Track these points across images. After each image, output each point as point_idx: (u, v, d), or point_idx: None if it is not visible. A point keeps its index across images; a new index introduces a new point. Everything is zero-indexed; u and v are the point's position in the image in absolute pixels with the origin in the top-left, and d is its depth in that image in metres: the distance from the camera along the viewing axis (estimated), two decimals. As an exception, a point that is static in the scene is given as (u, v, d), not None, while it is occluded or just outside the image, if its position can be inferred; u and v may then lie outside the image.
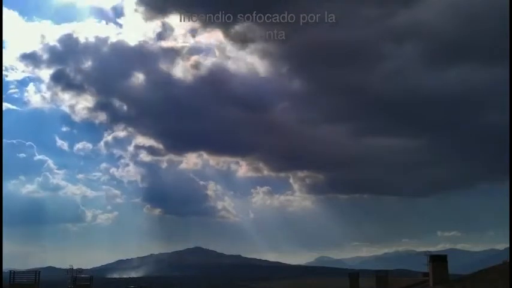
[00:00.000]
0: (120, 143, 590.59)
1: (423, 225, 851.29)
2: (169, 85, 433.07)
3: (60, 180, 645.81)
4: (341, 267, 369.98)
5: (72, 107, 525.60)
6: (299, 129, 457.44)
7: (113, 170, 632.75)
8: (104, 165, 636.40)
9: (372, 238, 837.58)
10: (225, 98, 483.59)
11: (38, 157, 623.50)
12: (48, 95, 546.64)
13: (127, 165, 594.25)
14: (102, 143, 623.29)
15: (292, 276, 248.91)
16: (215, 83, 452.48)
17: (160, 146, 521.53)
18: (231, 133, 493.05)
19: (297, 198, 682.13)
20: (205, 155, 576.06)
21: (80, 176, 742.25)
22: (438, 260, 33.21)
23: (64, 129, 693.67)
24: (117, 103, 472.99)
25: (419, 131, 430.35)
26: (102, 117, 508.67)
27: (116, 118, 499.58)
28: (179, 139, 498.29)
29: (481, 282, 27.39)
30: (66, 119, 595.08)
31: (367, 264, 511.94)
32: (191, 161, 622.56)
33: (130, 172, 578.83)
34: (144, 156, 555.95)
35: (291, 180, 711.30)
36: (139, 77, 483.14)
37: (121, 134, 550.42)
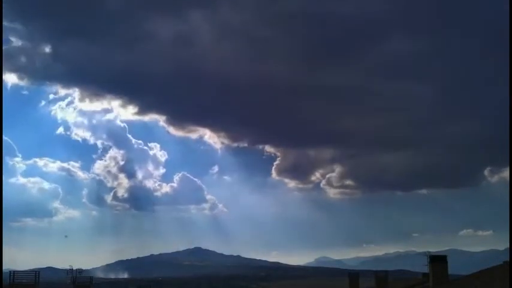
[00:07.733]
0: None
1: (423, 225, 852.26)
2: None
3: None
4: (341, 267, 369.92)
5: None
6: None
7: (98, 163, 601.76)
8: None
9: (372, 238, 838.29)
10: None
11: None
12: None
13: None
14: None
15: (292, 276, 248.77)
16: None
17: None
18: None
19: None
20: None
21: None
22: (438, 260, 33.19)
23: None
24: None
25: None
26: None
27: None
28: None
29: (481, 282, 27.38)
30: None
31: (367, 264, 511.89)
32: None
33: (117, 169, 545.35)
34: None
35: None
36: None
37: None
